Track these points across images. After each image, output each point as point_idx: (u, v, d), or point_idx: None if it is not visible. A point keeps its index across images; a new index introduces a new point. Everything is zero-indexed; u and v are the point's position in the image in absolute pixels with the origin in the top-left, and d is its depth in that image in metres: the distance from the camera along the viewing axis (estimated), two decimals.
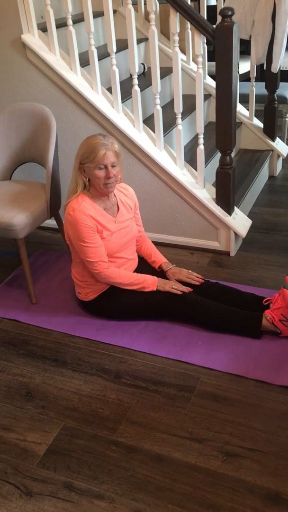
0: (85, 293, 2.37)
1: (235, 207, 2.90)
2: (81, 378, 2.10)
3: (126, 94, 3.00)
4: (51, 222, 3.00)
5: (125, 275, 2.29)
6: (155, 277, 2.32)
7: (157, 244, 2.78)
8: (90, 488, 1.65)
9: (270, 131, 3.71)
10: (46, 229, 3.27)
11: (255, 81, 3.59)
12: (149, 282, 2.29)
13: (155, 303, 2.31)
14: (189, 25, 3.49)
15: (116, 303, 2.35)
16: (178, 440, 1.79)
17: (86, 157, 2.13)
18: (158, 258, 2.51)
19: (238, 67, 4.04)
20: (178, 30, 2.54)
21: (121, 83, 2.83)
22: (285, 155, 3.81)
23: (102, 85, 2.87)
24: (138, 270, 2.44)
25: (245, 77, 4.28)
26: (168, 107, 3.32)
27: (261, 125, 3.77)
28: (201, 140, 2.73)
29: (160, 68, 2.70)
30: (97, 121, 2.85)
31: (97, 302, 2.36)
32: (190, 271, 2.44)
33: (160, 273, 2.46)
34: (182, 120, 2.79)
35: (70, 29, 2.72)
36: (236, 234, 2.82)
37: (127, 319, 2.38)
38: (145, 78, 3.50)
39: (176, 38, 2.55)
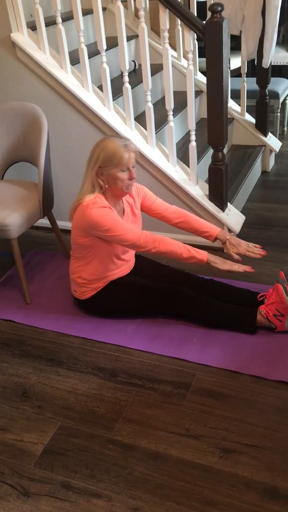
0: (81, 292, 2.36)
1: (228, 203, 2.90)
2: (76, 377, 2.09)
3: (117, 91, 2.99)
4: (44, 222, 2.99)
5: (170, 240, 2.15)
6: (205, 252, 2.18)
7: None
8: (87, 487, 1.65)
9: (262, 126, 3.71)
10: (39, 229, 3.26)
11: (246, 77, 3.59)
12: (201, 253, 2.17)
13: (151, 300, 2.31)
14: (179, 21, 3.48)
15: (112, 301, 2.35)
16: (175, 437, 1.79)
17: (108, 160, 2.10)
18: (210, 228, 2.31)
19: (229, 62, 4.05)
20: (168, 27, 2.53)
21: (112, 80, 2.82)
22: (277, 150, 3.81)
23: (93, 83, 2.86)
24: (135, 269, 2.45)
25: (236, 73, 4.27)
26: (159, 104, 3.32)
27: (253, 120, 3.77)
28: (193, 137, 2.73)
29: (151, 65, 2.70)
30: (89, 120, 2.84)
31: (93, 300, 2.36)
32: (250, 244, 2.28)
33: (158, 277, 2.43)
34: (173, 117, 2.79)
35: (59, 27, 2.71)
36: (229, 230, 2.82)
37: (123, 317, 2.37)
38: (136, 75, 3.49)
39: (166, 34, 2.54)
